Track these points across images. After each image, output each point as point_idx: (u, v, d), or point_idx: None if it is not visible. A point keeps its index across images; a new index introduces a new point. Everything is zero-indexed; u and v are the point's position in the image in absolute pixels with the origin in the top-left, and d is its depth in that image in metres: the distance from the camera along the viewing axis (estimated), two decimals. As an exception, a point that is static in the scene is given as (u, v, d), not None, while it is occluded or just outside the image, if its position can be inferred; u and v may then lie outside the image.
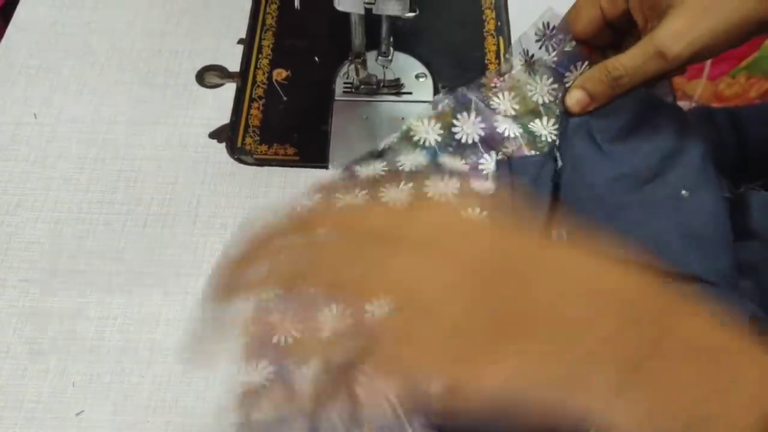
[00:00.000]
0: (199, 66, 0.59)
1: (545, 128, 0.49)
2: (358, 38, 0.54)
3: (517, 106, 0.50)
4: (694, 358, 0.28)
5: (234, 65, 0.59)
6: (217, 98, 0.57)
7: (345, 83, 0.58)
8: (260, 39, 0.61)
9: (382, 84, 0.57)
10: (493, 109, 0.49)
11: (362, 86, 0.57)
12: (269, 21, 0.62)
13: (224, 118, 0.56)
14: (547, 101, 0.50)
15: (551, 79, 0.50)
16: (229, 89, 0.58)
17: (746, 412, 0.27)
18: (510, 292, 0.28)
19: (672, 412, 0.27)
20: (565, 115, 0.48)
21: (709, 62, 0.99)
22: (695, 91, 1.03)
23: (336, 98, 0.57)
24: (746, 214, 0.45)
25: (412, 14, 0.54)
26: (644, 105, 0.47)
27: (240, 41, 0.61)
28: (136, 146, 0.54)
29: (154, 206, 0.51)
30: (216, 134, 0.55)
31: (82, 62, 0.59)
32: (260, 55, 0.60)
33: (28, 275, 0.48)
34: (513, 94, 0.50)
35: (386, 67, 0.57)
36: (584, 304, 0.28)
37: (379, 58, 0.55)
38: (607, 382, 0.27)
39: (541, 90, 0.50)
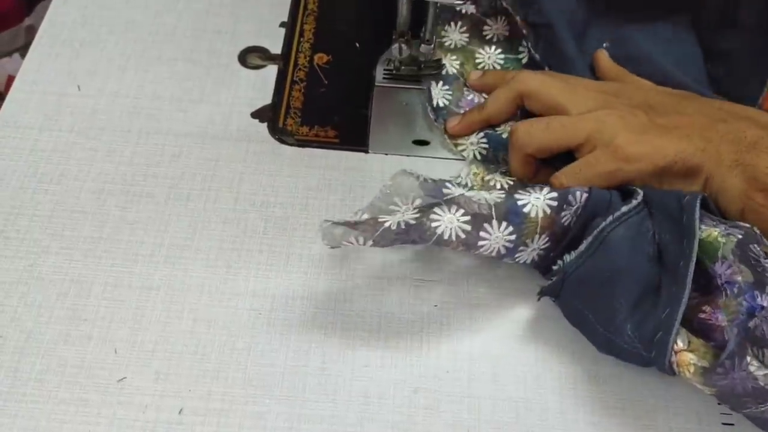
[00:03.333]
0: (241, 47, 0.59)
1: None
2: (403, 17, 0.54)
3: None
4: None
5: (276, 48, 0.60)
6: (259, 79, 0.58)
7: (385, 69, 0.59)
8: (302, 23, 0.61)
9: (423, 65, 0.58)
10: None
11: (403, 67, 0.58)
12: (311, 5, 0.63)
13: (266, 98, 0.57)
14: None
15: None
16: (271, 71, 0.58)
17: None
18: (669, 112, 0.47)
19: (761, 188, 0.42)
20: None
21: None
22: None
23: (376, 84, 0.58)
24: None
25: (461, 2, 0.55)
26: None
27: (282, 24, 0.61)
28: (180, 122, 0.55)
29: (197, 181, 0.52)
30: (258, 114, 0.56)
31: (126, 38, 0.59)
32: (302, 39, 0.60)
33: (71, 243, 0.48)
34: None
35: (429, 55, 0.57)
36: (715, 111, 0.47)
37: (423, 45, 0.56)
38: (727, 156, 0.44)
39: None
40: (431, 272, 0.48)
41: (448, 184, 0.46)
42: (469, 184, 0.51)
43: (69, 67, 0.57)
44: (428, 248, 0.49)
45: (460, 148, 0.54)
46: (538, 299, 0.46)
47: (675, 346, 0.39)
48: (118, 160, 0.52)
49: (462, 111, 0.55)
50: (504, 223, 0.43)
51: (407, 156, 0.54)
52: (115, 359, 0.44)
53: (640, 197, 0.43)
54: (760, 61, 0.53)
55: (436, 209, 0.42)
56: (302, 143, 0.54)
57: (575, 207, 0.44)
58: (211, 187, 0.51)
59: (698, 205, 0.41)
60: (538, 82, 0.50)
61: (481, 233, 0.43)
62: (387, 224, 0.42)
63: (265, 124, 0.55)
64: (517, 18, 0.56)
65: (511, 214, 0.43)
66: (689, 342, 0.40)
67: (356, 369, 0.44)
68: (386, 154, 0.54)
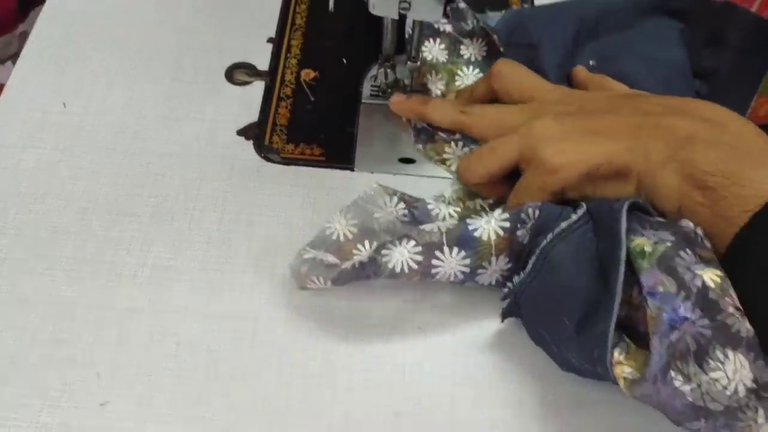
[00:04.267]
0: (228, 63, 0.59)
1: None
2: (388, 42, 0.55)
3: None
4: (721, 145, 0.41)
5: (263, 64, 0.59)
6: (246, 96, 0.57)
7: (372, 86, 0.59)
8: (289, 38, 0.61)
9: (409, 89, 0.58)
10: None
11: (390, 90, 0.58)
12: (298, 21, 0.63)
13: (252, 115, 0.56)
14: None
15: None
16: (258, 87, 0.58)
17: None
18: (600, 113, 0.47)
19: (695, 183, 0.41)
20: None
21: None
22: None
23: (363, 101, 0.58)
24: None
25: (445, 20, 0.55)
26: None
27: (269, 40, 0.61)
28: (165, 140, 0.54)
29: (181, 200, 0.51)
30: (244, 131, 0.55)
31: (112, 54, 0.59)
32: (289, 55, 0.60)
33: (54, 263, 0.48)
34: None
35: (414, 76, 0.57)
36: (652, 107, 0.46)
37: (408, 62, 0.56)
38: (656, 153, 0.43)
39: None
40: (415, 294, 0.48)
41: (429, 201, 0.48)
42: (452, 203, 0.51)
43: (54, 85, 0.57)
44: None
45: (447, 162, 0.54)
46: (502, 321, 0.46)
47: (612, 358, 0.39)
48: (103, 180, 0.52)
49: (441, 134, 0.55)
50: (456, 249, 0.44)
51: (393, 174, 0.54)
52: (98, 383, 0.44)
53: (581, 211, 0.43)
54: (744, 82, 0.53)
55: (388, 244, 0.44)
56: (288, 161, 0.54)
57: (529, 224, 0.44)
58: (195, 207, 0.51)
59: (624, 211, 0.40)
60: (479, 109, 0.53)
61: (434, 261, 0.44)
62: (344, 266, 0.44)
63: (251, 141, 0.55)
64: (495, 37, 0.56)
65: (462, 239, 0.44)
66: (628, 352, 0.39)
67: (339, 393, 0.44)
68: (372, 173, 0.54)
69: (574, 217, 0.43)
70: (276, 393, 0.44)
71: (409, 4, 0.48)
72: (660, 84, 0.53)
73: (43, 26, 0.61)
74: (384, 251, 0.44)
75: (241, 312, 0.47)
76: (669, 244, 0.39)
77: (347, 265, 0.44)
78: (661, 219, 0.42)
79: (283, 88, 0.58)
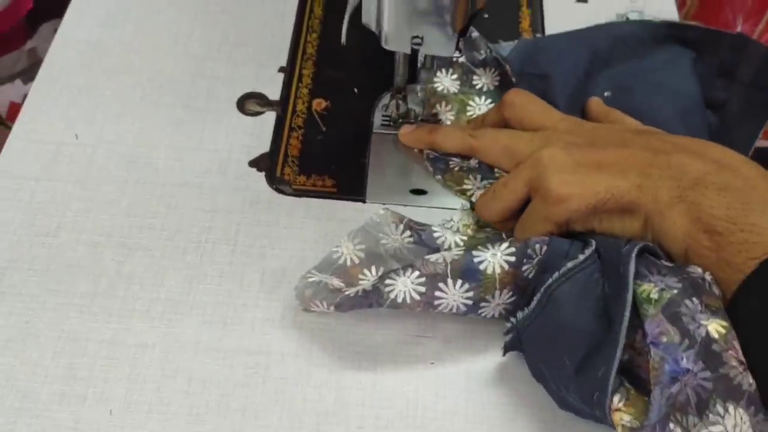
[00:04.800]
0: (239, 93, 0.59)
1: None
2: (400, 75, 0.55)
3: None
4: (730, 189, 0.41)
5: (274, 93, 0.60)
6: (257, 126, 0.58)
7: (383, 116, 0.59)
8: (300, 68, 0.61)
9: (420, 118, 0.58)
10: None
11: (401, 120, 0.58)
12: (309, 50, 0.63)
13: (264, 146, 0.56)
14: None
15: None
16: (269, 117, 0.58)
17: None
18: (610, 147, 0.47)
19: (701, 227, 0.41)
20: None
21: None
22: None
23: (374, 131, 0.58)
24: None
25: (459, 55, 0.55)
26: None
27: (281, 69, 0.61)
28: (177, 171, 0.55)
29: (193, 233, 0.52)
30: (256, 163, 0.56)
31: (124, 83, 0.59)
32: (300, 84, 0.60)
33: (67, 299, 0.48)
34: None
35: (426, 102, 0.57)
36: (662, 145, 0.45)
37: (418, 88, 0.56)
38: (666, 192, 0.42)
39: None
40: (426, 329, 0.48)
41: (435, 228, 0.48)
42: (460, 231, 0.51)
43: (67, 115, 0.57)
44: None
45: (468, 192, 0.54)
46: (503, 354, 0.46)
47: (611, 404, 0.39)
48: (115, 212, 0.52)
49: (455, 159, 0.55)
50: (459, 281, 0.44)
51: (404, 206, 0.54)
52: (110, 420, 0.44)
53: (588, 251, 0.43)
54: (753, 116, 0.53)
55: (392, 274, 0.44)
56: (300, 193, 0.54)
57: (535, 260, 0.44)
58: (207, 239, 0.51)
59: (633, 255, 0.40)
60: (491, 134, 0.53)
61: (437, 293, 0.44)
62: (347, 293, 0.44)
63: (263, 173, 0.55)
64: (507, 67, 0.56)
65: (466, 271, 0.44)
66: (627, 399, 0.39)
67: (351, 430, 0.44)
68: (384, 204, 0.54)
69: (581, 257, 0.43)
70: (288, 430, 0.44)
71: (422, 39, 0.48)
72: (677, 116, 0.53)
73: (56, 54, 0.61)
74: (388, 281, 0.44)
75: (253, 347, 0.47)
76: (675, 291, 0.39)
77: (351, 291, 0.45)
78: (668, 264, 0.42)
79: (295, 118, 0.58)
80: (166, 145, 0.56)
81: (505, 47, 0.59)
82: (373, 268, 0.47)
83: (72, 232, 0.51)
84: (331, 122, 0.59)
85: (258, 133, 0.57)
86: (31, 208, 0.52)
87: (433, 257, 0.44)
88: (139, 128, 0.57)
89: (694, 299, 0.39)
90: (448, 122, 0.57)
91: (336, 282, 0.46)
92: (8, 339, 0.47)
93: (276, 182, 0.55)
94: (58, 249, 0.50)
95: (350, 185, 0.55)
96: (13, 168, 0.54)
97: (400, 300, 0.44)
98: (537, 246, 0.44)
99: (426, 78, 0.57)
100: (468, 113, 0.58)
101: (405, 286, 0.44)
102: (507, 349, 0.46)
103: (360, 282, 0.47)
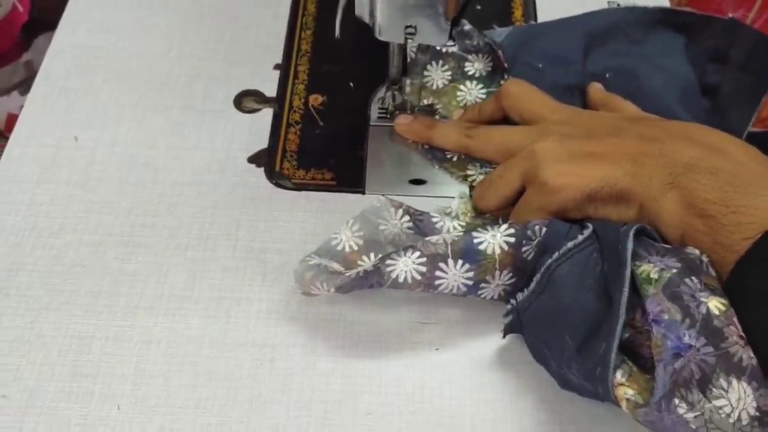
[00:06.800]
0: (236, 91, 0.60)
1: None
2: (395, 66, 0.55)
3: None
4: (721, 173, 0.41)
5: (271, 90, 0.60)
6: (255, 123, 0.58)
7: (380, 108, 0.59)
8: (296, 64, 0.62)
9: (416, 109, 0.58)
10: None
11: (397, 112, 0.58)
12: (304, 47, 0.63)
13: (262, 142, 0.57)
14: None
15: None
16: (266, 114, 0.59)
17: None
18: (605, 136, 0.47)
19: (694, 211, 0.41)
20: None
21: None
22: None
23: (371, 124, 0.58)
24: None
25: (452, 44, 0.56)
26: None
27: (276, 66, 0.61)
28: (176, 170, 0.55)
29: (194, 230, 0.52)
30: (254, 159, 0.56)
31: (121, 86, 0.60)
32: (296, 81, 0.61)
33: (71, 298, 0.48)
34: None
35: (418, 93, 0.57)
36: (656, 132, 0.46)
37: (409, 81, 0.56)
38: (659, 179, 0.43)
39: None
40: (429, 315, 0.48)
41: (434, 214, 0.49)
42: (458, 218, 0.51)
43: (65, 119, 0.57)
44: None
45: (470, 179, 0.54)
46: (503, 337, 0.46)
47: (614, 380, 0.39)
48: (116, 211, 0.53)
49: (452, 154, 0.55)
50: (460, 261, 0.44)
51: (404, 196, 0.54)
52: (118, 416, 0.44)
53: (587, 232, 0.43)
54: (745, 100, 0.53)
55: (393, 255, 0.44)
56: (299, 187, 0.55)
57: (535, 241, 0.44)
58: (209, 236, 0.52)
59: (631, 234, 0.41)
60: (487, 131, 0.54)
61: (437, 272, 0.44)
62: (348, 274, 0.44)
63: (262, 169, 0.55)
64: (499, 52, 0.57)
65: (467, 252, 0.44)
66: (630, 375, 0.39)
67: (358, 418, 0.44)
68: (383, 195, 0.54)
69: (580, 237, 0.43)
70: (296, 419, 0.44)
71: (415, 29, 0.49)
72: (677, 98, 0.53)
73: (52, 60, 0.61)
74: (389, 261, 0.44)
75: (258, 339, 0.47)
76: (675, 270, 0.39)
77: (351, 273, 0.45)
78: (666, 245, 0.42)
79: (292, 114, 0.59)
80: (164, 145, 0.56)
81: (500, 32, 0.59)
82: (372, 255, 0.47)
83: (74, 232, 0.51)
84: (328, 117, 0.59)
85: (256, 130, 0.58)
86: (32, 210, 0.52)
87: (433, 238, 0.45)
88: (137, 130, 0.57)
89: (693, 278, 0.39)
90: (442, 110, 0.57)
91: (336, 266, 0.47)
92: (14, 339, 0.47)
93: (275, 177, 0.55)
94: (60, 250, 0.51)
95: (349, 178, 0.55)
96: (13, 171, 0.54)
97: (401, 280, 0.44)
98: (536, 228, 0.44)
99: (413, 74, 0.57)
100: (458, 98, 0.58)
101: (406, 266, 0.44)
102: (507, 331, 0.46)
103: (359, 266, 0.47)
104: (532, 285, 0.43)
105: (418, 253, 0.44)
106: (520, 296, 0.44)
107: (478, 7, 0.65)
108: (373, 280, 0.45)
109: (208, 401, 0.45)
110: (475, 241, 0.44)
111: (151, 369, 0.46)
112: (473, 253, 0.44)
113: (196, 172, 0.55)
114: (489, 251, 0.44)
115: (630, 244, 0.40)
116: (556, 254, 0.43)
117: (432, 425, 0.44)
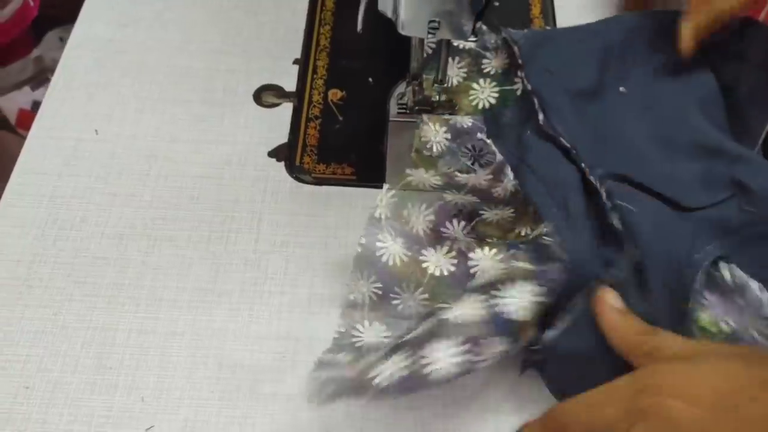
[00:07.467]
0: (256, 85, 0.60)
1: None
2: (416, 61, 0.55)
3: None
4: None
5: (290, 85, 0.60)
6: (275, 117, 0.58)
7: (399, 104, 0.59)
8: (315, 59, 0.62)
9: (436, 104, 0.58)
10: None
11: (417, 107, 0.58)
12: (323, 42, 0.63)
13: (282, 137, 0.57)
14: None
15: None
16: (286, 108, 0.59)
17: None
18: None
19: None
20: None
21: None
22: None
23: (391, 119, 0.58)
24: None
25: (473, 39, 0.56)
26: None
27: (295, 61, 0.61)
28: (197, 164, 0.55)
29: (216, 223, 0.52)
30: (275, 153, 0.56)
31: (141, 80, 0.60)
32: (315, 76, 0.61)
33: (94, 290, 0.49)
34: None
35: (441, 93, 0.57)
36: None
37: (435, 85, 0.56)
38: None
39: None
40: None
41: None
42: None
43: (85, 112, 0.57)
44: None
45: (472, 102, 0.56)
46: (521, 374, 0.46)
47: None
48: (138, 204, 0.53)
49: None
50: (498, 338, 0.42)
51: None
52: (143, 407, 0.44)
53: (622, 274, 0.43)
54: (763, 97, 0.53)
55: (421, 353, 0.40)
56: (320, 181, 0.55)
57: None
58: (231, 229, 0.52)
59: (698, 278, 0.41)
60: None
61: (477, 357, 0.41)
62: (377, 381, 0.39)
63: (282, 163, 0.55)
64: (515, 48, 0.56)
65: (498, 325, 0.42)
66: None
67: (383, 408, 0.44)
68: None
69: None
70: (320, 411, 0.44)
71: (439, 24, 0.49)
72: (699, 107, 0.53)
73: (71, 54, 0.61)
74: (423, 360, 0.40)
75: (281, 332, 0.47)
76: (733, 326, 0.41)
77: (381, 378, 0.39)
78: (730, 283, 0.42)
79: (311, 109, 0.59)
80: (185, 139, 0.56)
81: (516, 34, 0.59)
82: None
83: (96, 225, 0.51)
84: (348, 112, 0.59)
85: (275, 124, 0.58)
86: (53, 203, 0.52)
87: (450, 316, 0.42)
88: (158, 123, 0.57)
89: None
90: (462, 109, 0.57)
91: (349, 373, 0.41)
92: (37, 331, 0.47)
93: (296, 171, 0.55)
94: (82, 242, 0.51)
95: (369, 172, 0.55)
96: (35, 165, 0.54)
97: (442, 375, 0.40)
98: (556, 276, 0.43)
99: (428, 70, 0.57)
100: (471, 97, 0.58)
101: (444, 361, 0.40)
102: (526, 366, 0.46)
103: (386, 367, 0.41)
104: (565, 324, 0.43)
105: (452, 342, 0.41)
106: (549, 334, 0.43)
107: (497, 4, 0.65)
108: (413, 383, 0.40)
109: (232, 393, 0.45)
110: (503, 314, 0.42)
111: (176, 361, 0.46)
112: (503, 323, 0.42)
113: (216, 166, 0.55)
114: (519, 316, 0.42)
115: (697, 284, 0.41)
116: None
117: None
